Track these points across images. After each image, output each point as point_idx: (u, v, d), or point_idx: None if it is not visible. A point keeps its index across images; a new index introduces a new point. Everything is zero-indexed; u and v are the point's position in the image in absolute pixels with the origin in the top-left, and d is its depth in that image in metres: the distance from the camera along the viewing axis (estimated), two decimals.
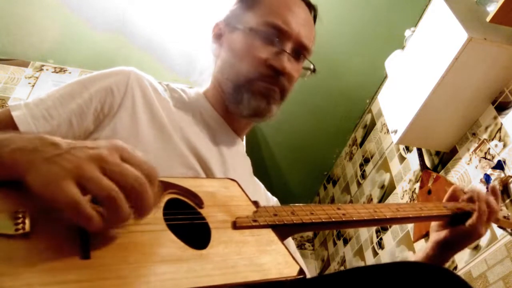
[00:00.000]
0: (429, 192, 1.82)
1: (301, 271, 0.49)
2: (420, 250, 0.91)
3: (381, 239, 2.28)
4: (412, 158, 2.11)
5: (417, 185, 1.99)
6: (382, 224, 1.78)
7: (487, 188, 1.52)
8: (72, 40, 2.36)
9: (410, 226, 2.00)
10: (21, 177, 0.41)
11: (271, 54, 0.78)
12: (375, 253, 2.31)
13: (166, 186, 0.54)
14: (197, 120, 0.82)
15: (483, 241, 1.52)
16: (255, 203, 0.61)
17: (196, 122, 0.82)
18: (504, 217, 0.95)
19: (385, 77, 2.26)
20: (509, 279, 1.38)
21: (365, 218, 0.68)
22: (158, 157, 0.69)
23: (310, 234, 3.32)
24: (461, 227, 0.84)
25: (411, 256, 1.97)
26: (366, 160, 2.62)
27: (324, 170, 3.16)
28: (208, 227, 0.52)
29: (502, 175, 1.48)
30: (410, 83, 1.79)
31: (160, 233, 0.47)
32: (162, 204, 0.51)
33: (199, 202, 0.56)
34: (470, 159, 1.70)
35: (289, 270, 0.49)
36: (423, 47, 1.73)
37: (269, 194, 0.94)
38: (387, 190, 2.32)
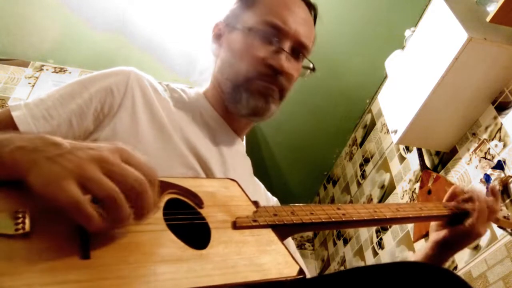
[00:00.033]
0: (429, 192, 1.82)
1: (301, 271, 0.49)
2: (420, 250, 0.91)
3: (381, 239, 2.28)
4: (412, 158, 2.11)
5: (417, 185, 1.99)
6: (382, 224, 1.78)
7: (487, 188, 1.52)
8: (72, 40, 2.36)
9: (410, 226, 2.00)
10: (22, 176, 0.41)
11: (270, 53, 0.78)
12: (375, 253, 2.31)
13: (166, 186, 0.54)
14: (197, 120, 0.82)
15: (483, 241, 1.52)
16: (255, 203, 0.61)
17: (196, 122, 0.82)
18: (504, 217, 0.95)
19: (385, 77, 2.26)
20: (509, 279, 1.38)
21: (365, 218, 0.68)
22: (158, 157, 0.69)
23: (310, 234, 3.32)
24: (460, 227, 0.84)
25: (411, 256, 1.97)
26: (366, 160, 2.62)
27: (324, 170, 3.16)
28: (208, 227, 0.52)
29: (502, 175, 1.48)
30: (410, 83, 1.79)
31: (160, 233, 0.47)
32: (162, 204, 0.51)
33: (199, 202, 0.56)
34: (470, 159, 1.70)
35: (289, 270, 0.49)
36: (423, 47, 1.73)
37: (269, 194, 0.94)
38: (387, 190, 2.32)
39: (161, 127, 0.74)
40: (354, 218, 0.67)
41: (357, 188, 2.70)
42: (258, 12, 0.81)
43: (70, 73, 2.49)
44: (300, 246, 3.22)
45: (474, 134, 1.72)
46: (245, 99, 0.79)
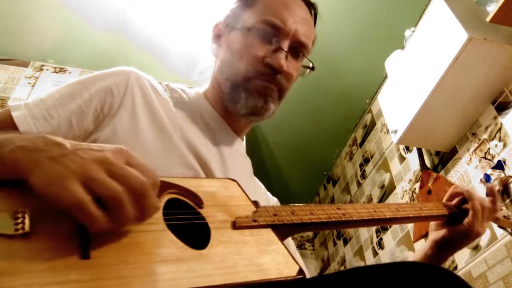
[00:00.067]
0: (429, 192, 1.82)
1: (300, 271, 0.49)
2: (419, 249, 0.92)
3: (381, 239, 2.28)
4: (412, 158, 2.11)
5: (417, 185, 1.99)
6: (382, 224, 1.78)
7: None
8: (72, 40, 2.36)
9: (410, 226, 2.00)
10: (23, 176, 0.41)
11: (268, 52, 0.78)
12: (375, 253, 2.31)
13: (166, 186, 0.54)
14: (197, 120, 0.82)
15: (483, 241, 1.52)
16: (255, 203, 0.61)
17: (196, 122, 0.82)
18: (504, 216, 0.95)
19: (385, 77, 2.25)
20: (509, 279, 1.38)
21: (365, 218, 0.68)
22: (158, 157, 0.69)
23: (310, 234, 3.32)
24: (459, 226, 0.85)
25: (411, 256, 1.97)
26: (366, 160, 2.62)
27: (324, 170, 3.16)
28: (208, 227, 0.52)
29: (502, 175, 1.48)
30: (410, 83, 1.79)
31: (160, 233, 0.47)
32: (162, 204, 0.51)
33: (199, 202, 0.56)
34: (470, 159, 1.70)
35: (288, 270, 0.49)
36: (423, 47, 1.73)
37: (269, 194, 0.94)
38: (387, 190, 2.32)
39: (161, 127, 0.74)
40: (354, 218, 0.67)
41: (357, 188, 2.70)
42: (257, 12, 0.81)
43: (70, 73, 2.49)
44: (300, 246, 3.22)
45: (474, 134, 1.72)
46: (244, 99, 0.79)
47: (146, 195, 0.43)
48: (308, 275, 0.59)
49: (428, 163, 1.97)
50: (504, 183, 1.44)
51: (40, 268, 0.37)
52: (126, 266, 0.41)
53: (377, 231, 2.34)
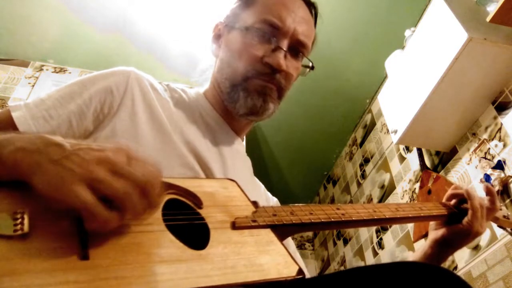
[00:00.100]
0: (429, 192, 1.82)
1: (300, 271, 0.49)
2: (419, 248, 0.92)
3: (381, 239, 2.27)
4: (412, 158, 2.11)
5: (417, 185, 1.99)
6: (382, 224, 1.78)
7: None
8: (72, 40, 2.36)
9: (410, 226, 2.00)
10: (26, 178, 0.41)
11: (267, 51, 0.78)
12: (375, 253, 2.31)
13: (165, 186, 0.54)
14: (197, 120, 0.82)
15: (483, 241, 1.52)
16: (254, 203, 0.61)
17: (196, 122, 0.82)
18: (504, 216, 0.95)
19: (385, 77, 2.25)
20: (509, 279, 1.38)
21: (364, 218, 0.68)
22: (158, 158, 0.69)
23: (310, 234, 3.32)
24: (459, 225, 0.85)
25: (411, 256, 1.96)
26: (366, 160, 2.62)
27: (324, 170, 3.16)
28: (207, 228, 0.52)
29: (502, 175, 1.48)
30: (410, 83, 1.79)
31: (159, 233, 0.47)
32: (161, 204, 0.51)
33: (198, 202, 0.56)
34: (470, 159, 1.70)
35: (288, 270, 0.49)
36: (423, 47, 1.73)
37: (269, 194, 0.94)
38: (387, 190, 2.32)
39: (161, 127, 0.74)
40: (353, 218, 0.67)
41: (357, 188, 2.70)
42: (256, 11, 0.81)
43: (70, 73, 2.49)
44: (300, 246, 3.22)
45: (474, 134, 1.72)
46: (242, 98, 0.79)
47: (151, 188, 0.44)
48: (308, 275, 0.59)
49: (428, 163, 1.97)
50: (504, 183, 1.44)
51: (40, 268, 0.37)
52: (126, 267, 0.41)
53: (377, 231, 2.34)
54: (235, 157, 0.85)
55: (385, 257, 2.20)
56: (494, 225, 1.45)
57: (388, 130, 2.27)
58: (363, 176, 2.63)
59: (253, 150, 2.27)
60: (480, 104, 1.67)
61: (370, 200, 2.50)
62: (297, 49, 0.82)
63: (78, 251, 0.40)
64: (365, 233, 2.46)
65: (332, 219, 0.63)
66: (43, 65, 2.48)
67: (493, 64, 1.53)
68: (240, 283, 0.44)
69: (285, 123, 2.67)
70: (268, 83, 0.79)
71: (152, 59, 2.40)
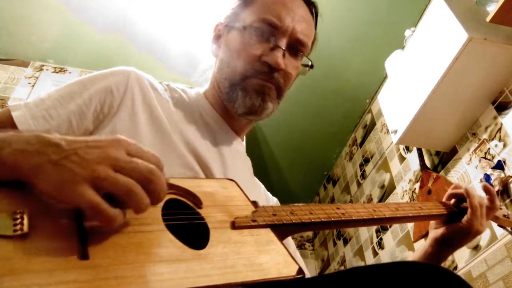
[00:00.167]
0: (429, 192, 1.82)
1: (300, 271, 0.49)
2: (419, 247, 0.92)
3: (381, 239, 2.27)
4: (412, 158, 2.11)
5: (417, 185, 1.99)
6: (382, 224, 1.78)
7: None
8: (72, 40, 2.36)
9: (410, 226, 2.00)
10: (27, 179, 0.41)
11: (265, 50, 0.78)
12: (375, 253, 2.31)
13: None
14: (197, 120, 0.82)
15: (483, 241, 1.52)
16: (254, 203, 0.61)
17: (196, 122, 0.82)
18: (504, 215, 0.95)
19: (385, 77, 2.25)
20: (509, 279, 1.38)
21: (364, 217, 0.68)
22: None
23: (310, 234, 3.32)
24: (459, 224, 0.86)
25: (411, 256, 1.96)
26: (366, 160, 2.62)
27: (324, 170, 3.16)
28: (207, 227, 0.52)
29: (502, 175, 1.48)
30: (410, 83, 1.79)
31: (159, 233, 0.47)
32: (161, 204, 0.51)
33: (198, 202, 0.56)
34: (470, 159, 1.70)
35: (288, 270, 0.49)
36: (423, 47, 1.73)
37: (269, 194, 0.94)
38: (387, 190, 2.32)
39: (161, 127, 0.74)
40: (353, 218, 0.67)
41: (357, 188, 2.69)
42: (255, 11, 0.81)
43: (70, 73, 2.49)
44: (300, 246, 3.22)
45: (474, 134, 1.72)
46: (241, 98, 0.79)
47: (155, 179, 0.44)
48: (308, 275, 0.59)
49: (428, 163, 1.97)
50: (504, 183, 1.44)
51: (39, 268, 0.37)
52: (125, 266, 0.41)
53: (377, 231, 2.34)
54: (235, 157, 0.85)
55: (385, 257, 2.20)
56: (494, 225, 1.45)
57: (388, 130, 2.27)
58: (363, 176, 2.63)
59: (253, 150, 2.27)
60: (480, 104, 1.67)
61: (370, 200, 2.50)
62: (296, 48, 0.82)
63: (78, 251, 0.40)
64: (365, 233, 2.46)
65: (332, 219, 0.63)
66: (43, 65, 2.48)
67: (493, 64, 1.53)
68: (240, 282, 0.44)
69: (285, 123, 2.67)
70: (267, 82, 0.79)
71: (152, 59, 2.40)
